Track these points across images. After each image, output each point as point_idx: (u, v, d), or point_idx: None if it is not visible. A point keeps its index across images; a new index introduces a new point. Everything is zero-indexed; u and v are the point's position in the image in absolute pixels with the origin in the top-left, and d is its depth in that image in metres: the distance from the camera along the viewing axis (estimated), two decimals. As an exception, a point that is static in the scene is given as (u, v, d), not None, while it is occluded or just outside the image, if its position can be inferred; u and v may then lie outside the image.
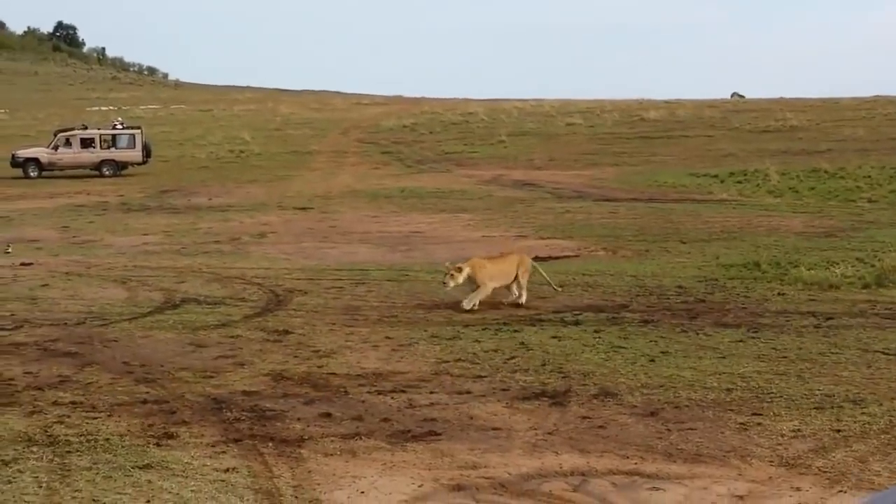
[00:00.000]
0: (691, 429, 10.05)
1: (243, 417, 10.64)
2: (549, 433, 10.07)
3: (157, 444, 9.78)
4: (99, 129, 48.03)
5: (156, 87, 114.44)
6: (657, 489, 8.69)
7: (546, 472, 9.06)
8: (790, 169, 37.76)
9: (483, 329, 14.54)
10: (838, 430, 9.85)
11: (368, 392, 11.55)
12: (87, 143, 45.47)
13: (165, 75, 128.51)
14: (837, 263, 18.51)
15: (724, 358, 12.67)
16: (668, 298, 16.51)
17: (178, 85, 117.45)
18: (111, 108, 74.92)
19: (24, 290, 17.96)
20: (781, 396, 10.99)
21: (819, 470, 8.95)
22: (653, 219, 27.14)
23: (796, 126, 55.50)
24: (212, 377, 12.16)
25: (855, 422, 10.06)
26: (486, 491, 8.70)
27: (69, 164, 45.10)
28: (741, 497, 8.46)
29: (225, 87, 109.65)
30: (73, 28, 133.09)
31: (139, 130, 46.74)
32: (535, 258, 20.59)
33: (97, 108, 74.60)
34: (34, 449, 9.60)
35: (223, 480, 8.87)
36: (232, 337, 14.30)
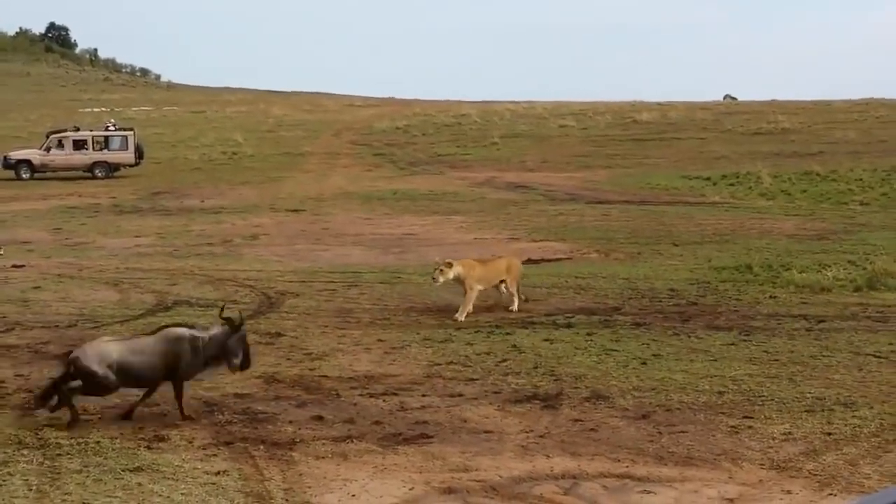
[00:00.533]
0: (682, 432, 10.06)
1: (235, 420, 10.63)
2: (541, 436, 10.08)
3: (148, 447, 9.77)
4: (91, 130, 47.95)
5: (148, 88, 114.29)
6: (648, 492, 8.70)
7: (537, 475, 9.07)
8: (782, 172, 37.80)
9: (475, 332, 14.54)
10: (829, 434, 9.87)
11: (360, 395, 11.55)
12: (79, 144, 45.39)
13: (158, 77, 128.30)
14: (829, 266, 18.55)
15: (715, 361, 12.69)
16: (661, 301, 16.52)
17: (170, 86, 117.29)
18: (103, 109, 74.80)
19: (16, 293, 17.92)
20: (773, 399, 11.01)
21: (810, 473, 8.96)
22: (645, 221, 27.16)
23: (788, 128, 55.56)
24: (203, 380, 12.13)
25: (846, 425, 10.08)
26: (478, 494, 8.70)
27: (61, 165, 45.02)
28: (732, 500, 8.47)
29: (217, 89, 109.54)
30: (66, 29, 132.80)
31: (131, 132, 46.69)
32: (528, 261, 20.64)
33: (89, 110, 74.48)
34: (24, 451, 9.59)
35: (214, 483, 8.86)
36: (224, 339, 14.25)
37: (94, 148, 45.75)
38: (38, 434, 10.12)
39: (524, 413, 10.83)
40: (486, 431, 10.24)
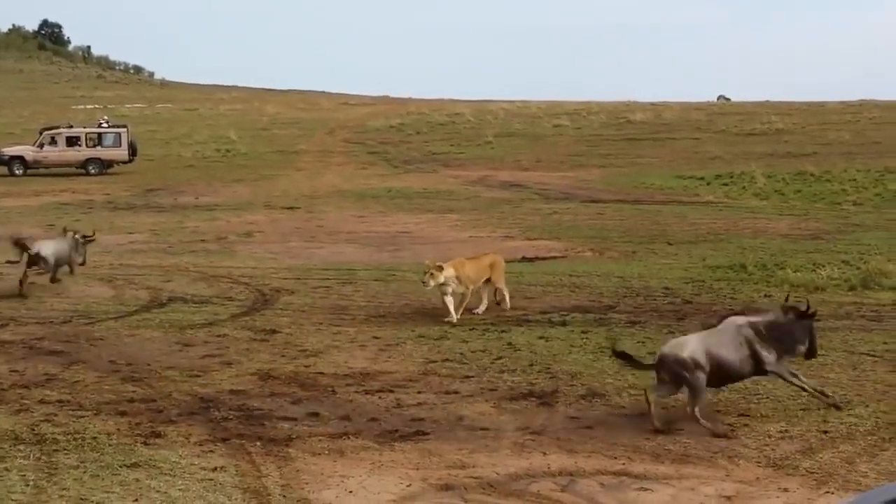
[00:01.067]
0: (679, 429, 10.06)
1: (231, 416, 10.62)
2: (537, 433, 10.09)
3: (145, 443, 9.76)
4: (84, 127, 47.88)
5: (141, 85, 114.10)
6: (645, 489, 8.71)
7: (534, 473, 9.08)
8: (776, 172, 37.85)
9: (470, 329, 14.55)
10: (825, 432, 9.89)
11: (356, 391, 11.55)
12: (72, 141, 45.32)
13: (151, 74, 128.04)
14: (823, 266, 18.58)
15: (711, 359, 12.68)
16: (655, 300, 16.55)
17: (163, 84, 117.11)
18: (96, 106, 74.66)
19: (11, 289, 17.87)
20: (769, 398, 11.02)
21: (806, 471, 8.98)
22: (639, 220, 27.19)
23: (782, 129, 55.64)
24: (199, 376, 12.14)
25: (842, 423, 10.10)
26: (475, 491, 8.71)
27: (55, 162, 44.95)
28: (729, 498, 8.48)
29: (211, 87, 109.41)
30: (59, 26, 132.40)
31: (125, 129, 46.62)
32: (522, 259, 20.66)
33: (82, 107, 74.36)
34: (21, 447, 9.57)
35: (211, 479, 8.85)
36: (219, 336, 14.28)
37: (87, 145, 45.68)
38: (34, 430, 10.11)
39: (520, 410, 10.84)
40: (483, 428, 10.25)
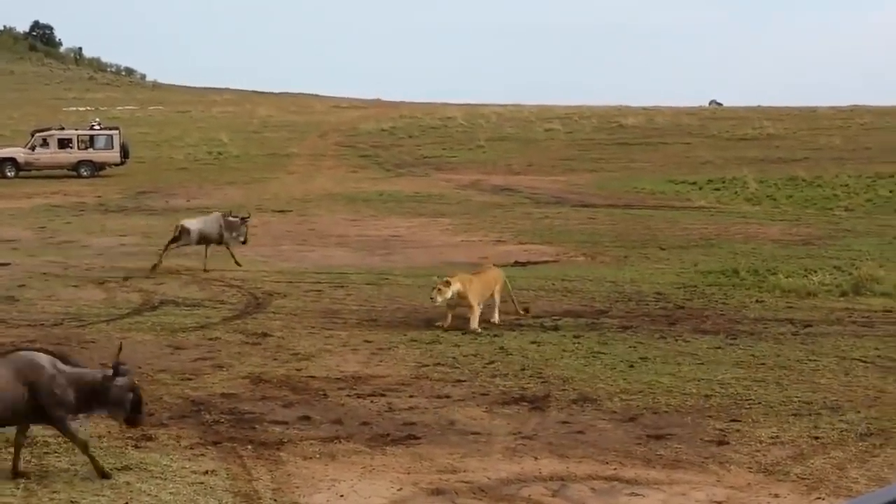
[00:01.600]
0: (670, 435, 10.07)
1: (222, 420, 10.61)
2: (529, 438, 10.09)
3: (136, 447, 9.75)
4: (76, 129, 47.77)
5: (133, 87, 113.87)
6: (636, 495, 8.72)
7: (525, 477, 9.08)
8: (767, 177, 37.93)
9: (462, 334, 14.54)
10: (816, 437, 9.91)
11: (348, 395, 11.54)
12: (64, 143, 45.18)
13: (143, 76, 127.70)
14: (815, 271, 18.63)
15: (702, 364, 12.72)
16: (647, 304, 16.56)
17: (155, 86, 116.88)
18: (88, 108, 74.49)
19: (1, 291, 17.84)
20: (760, 403, 11.04)
21: (797, 477, 9.00)
22: (631, 225, 27.22)
23: (773, 134, 55.73)
24: (190, 379, 12.12)
25: (833, 429, 10.12)
26: (466, 495, 8.71)
27: (46, 164, 44.80)
28: (720, 503, 8.49)
29: (203, 89, 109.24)
30: (50, 28, 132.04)
31: (117, 131, 46.50)
32: (515, 263, 20.67)
33: (74, 109, 74.17)
34: (12, 450, 9.53)
35: (202, 483, 8.84)
36: (211, 339, 14.26)
37: (79, 147, 45.54)
38: (25, 433, 10.06)
39: (512, 415, 10.84)
40: (474, 433, 10.24)
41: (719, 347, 13.66)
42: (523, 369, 12.61)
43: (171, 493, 8.61)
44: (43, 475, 8.95)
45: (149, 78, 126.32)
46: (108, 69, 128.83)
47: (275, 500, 8.49)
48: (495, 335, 14.44)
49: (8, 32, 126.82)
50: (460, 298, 15.02)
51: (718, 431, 10.14)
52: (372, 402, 11.29)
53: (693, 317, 15.57)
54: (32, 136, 46.33)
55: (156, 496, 8.52)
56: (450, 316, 15.13)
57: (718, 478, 8.99)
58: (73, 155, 45.28)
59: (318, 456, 9.58)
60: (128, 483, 8.80)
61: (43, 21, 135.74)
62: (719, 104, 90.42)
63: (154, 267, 19.81)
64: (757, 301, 16.72)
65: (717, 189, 35.94)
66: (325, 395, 11.55)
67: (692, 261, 20.87)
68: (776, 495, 8.63)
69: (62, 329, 14.97)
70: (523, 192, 36.33)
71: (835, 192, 33.98)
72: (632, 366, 12.70)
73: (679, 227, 26.61)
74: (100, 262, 21.34)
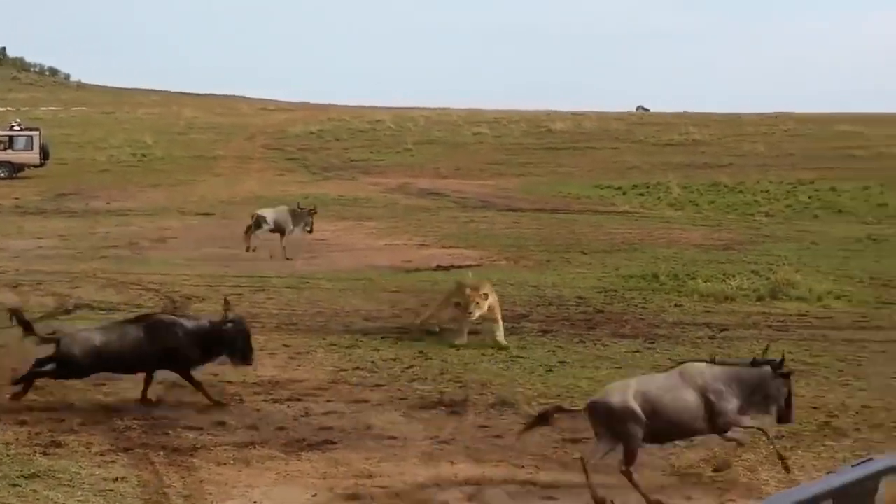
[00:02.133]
0: (587, 439, 10.09)
1: (134, 426, 10.43)
2: (446, 442, 10.07)
3: (44, 453, 9.55)
4: (-5, 129, 46.83)
5: (57, 88, 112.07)
6: (552, 499, 8.75)
7: (442, 482, 9.05)
8: (692, 182, 38.31)
9: (382, 338, 14.49)
10: (729, 441, 9.96)
11: (264, 400, 11.43)
12: (-17, 144, 44.34)
13: (67, 76, 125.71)
14: (733, 276, 18.83)
15: (620, 368, 12.79)
16: (568, 309, 16.64)
17: (80, 86, 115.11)
18: (9, 108, 73.12)
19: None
20: (675, 406, 11.09)
21: (710, 479, 9.07)
22: (556, 229, 27.34)
23: (699, 140, 56.35)
24: (103, 385, 11.89)
25: (745, 432, 10.18)
26: (382, 500, 8.66)
27: (-36, 165, 43.89)
28: (633, 506, 8.53)
29: (129, 90, 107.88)
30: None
31: (37, 132, 45.69)
32: (437, 267, 20.66)
33: (-5, 109, 72.81)
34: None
35: (112, 490, 8.69)
36: (126, 344, 13.99)
37: (-2, 147, 44.69)
38: (-72, 440, 9.82)
39: (429, 419, 10.81)
40: (391, 437, 10.20)
41: (637, 351, 13.76)
42: (442, 373, 12.60)
43: (79, 500, 8.45)
44: (-55, 484, 8.72)
45: (73, 78, 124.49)
46: (32, 69, 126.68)
47: (185, 507, 8.36)
48: (415, 339, 14.40)
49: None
50: (489, 311, 14.14)
51: (634, 435, 10.17)
52: (288, 406, 11.20)
53: (612, 321, 15.67)
54: (-50, 136, 45.35)
55: (63, 504, 8.35)
56: (466, 331, 14.17)
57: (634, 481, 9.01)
58: (-8, 156, 44.40)
59: (232, 462, 9.47)
60: (35, 491, 8.62)
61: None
62: (646, 109, 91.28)
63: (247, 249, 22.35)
64: (676, 305, 16.87)
65: (642, 194, 36.22)
66: (241, 399, 11.42)
67: (614, 265, 21.00)
68: (689, 497, 8.71)
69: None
70: (450, 197, 36.34)
71: (756, 197, 34.41)
72: (550, 370, 12.74)
73: (603, 232, 26.78)
74: (14, 265, 20.92)
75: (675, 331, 14.98)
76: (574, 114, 74.54)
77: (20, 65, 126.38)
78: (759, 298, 17.21)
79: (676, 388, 8.82)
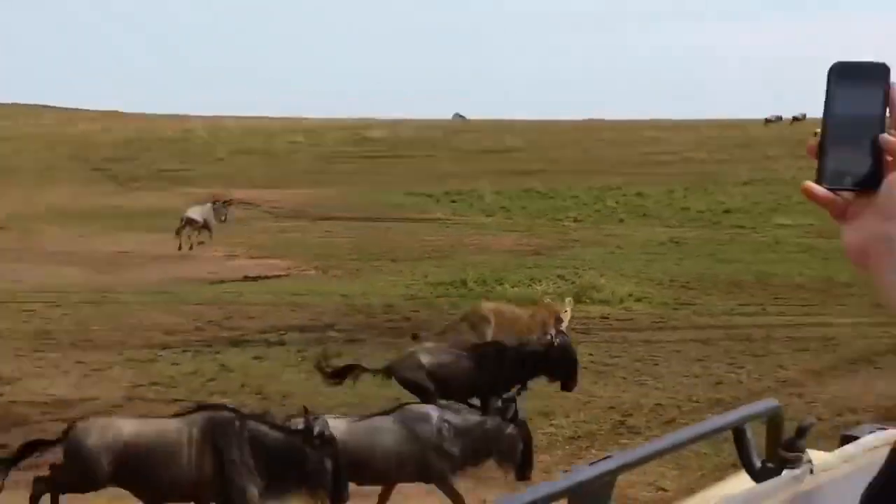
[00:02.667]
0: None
1: None
2: (241, 457, 9.78)
3: None
4: None
5: None
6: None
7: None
8: (505, 189, 38.83)
9: (183, 351, 14.11)
10: (526, 443, 10.04)
11: (51, 420, 10.93)
12: None
13: None
14: (540, 281, 19.11)
15: (423, 374, 12.73)
16: (376, 317, 16.57)
17: None
18: None
19: None
20: (474, 410, 11.12)
21: (505, 481, 9.09)
22: (369, 238, 27.25)
23: (513, 147, 57.37)
24: None
25: (542, 434, 10.31)
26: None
27: None
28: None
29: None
30: None
31: None
32: (245, 278, 20.30)
33: None
34: None
35: None
36: None
37: None
38: None
39: (226, 434, 10.49)
40: (185, 454, 9.85)
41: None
42: (243, 386, 12.35)
43: None
44: None
45: None
46: None
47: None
48: (217, 352, 14.08)
49: None
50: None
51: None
52: (77, 426, 10.70)
53: (420, 328, 15.63)
54: None
55: None
56: None
57: (429, 489, 8.97)
58: None
59: (14, 486, 8.97)
60: None
61: None
62: (462, 117, 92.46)
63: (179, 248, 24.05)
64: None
65: (454, 201, 36.48)
66: (25, 420, 10.89)
67: (423, 272, 21.04)
68: (484, 501, 8.70)
69: None
70: (262, 207, 35.80)
71: (565, 203, 35.11)
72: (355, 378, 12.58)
73: (416, 239, 26.83)
74: None
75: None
76: (391, 121, 74.87)
77: None
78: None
79: None
